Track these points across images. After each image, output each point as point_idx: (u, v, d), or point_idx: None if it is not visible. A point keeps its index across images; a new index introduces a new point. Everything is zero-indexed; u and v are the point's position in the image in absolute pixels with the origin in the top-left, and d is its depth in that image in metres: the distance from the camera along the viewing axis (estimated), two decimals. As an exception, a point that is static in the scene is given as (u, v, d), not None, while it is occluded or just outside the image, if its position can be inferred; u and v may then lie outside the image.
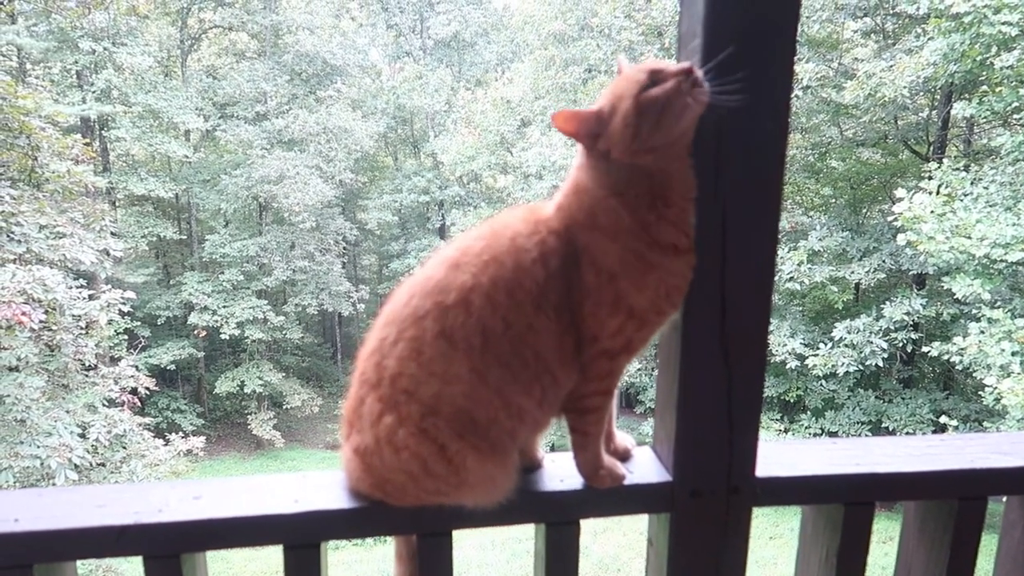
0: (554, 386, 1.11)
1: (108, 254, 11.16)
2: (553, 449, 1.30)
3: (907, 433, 13.07)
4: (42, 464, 8.67)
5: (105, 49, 18.47)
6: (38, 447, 8.75)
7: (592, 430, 1.17)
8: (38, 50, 17.88)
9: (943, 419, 11.82)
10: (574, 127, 1.06)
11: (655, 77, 1.04)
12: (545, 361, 1.09)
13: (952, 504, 1.27)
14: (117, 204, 21.63)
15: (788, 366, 13.38)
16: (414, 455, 1.07)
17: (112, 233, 12.12)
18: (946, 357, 10.95)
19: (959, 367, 11.18)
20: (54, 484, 8.62)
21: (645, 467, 1.24)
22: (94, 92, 19.28)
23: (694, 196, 1.07)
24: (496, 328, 1.06)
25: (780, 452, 1.29)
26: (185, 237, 23.99)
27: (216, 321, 20.58)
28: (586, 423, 1.16)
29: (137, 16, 17.24)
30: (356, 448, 1.13)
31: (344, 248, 25.87)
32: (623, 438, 1.30)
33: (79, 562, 1.18)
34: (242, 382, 21.15)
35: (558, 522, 1.19)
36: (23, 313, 8.14)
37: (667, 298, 1.09)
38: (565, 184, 1.13)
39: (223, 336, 20.92)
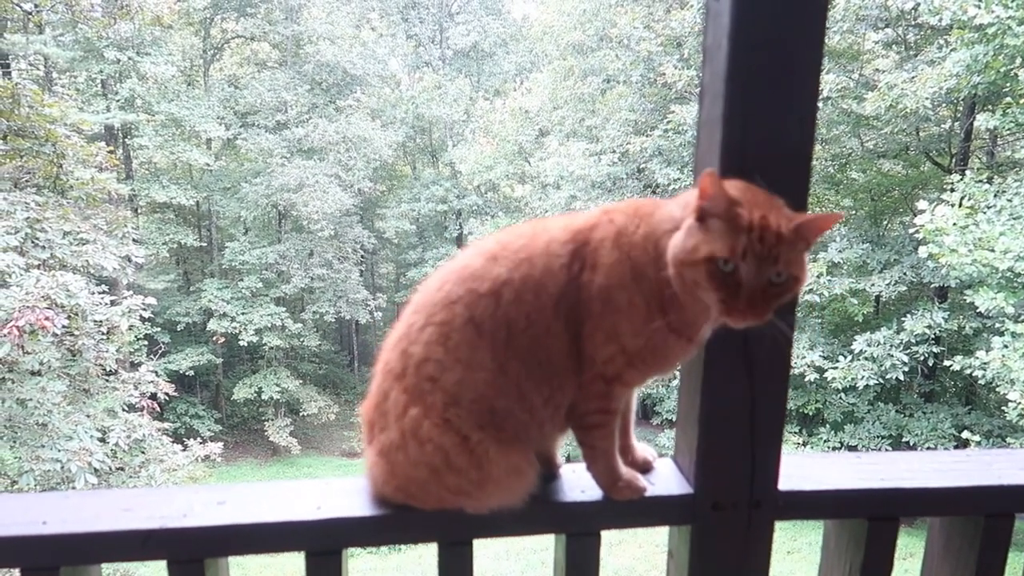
0: (560, 390, 1.13)
1: (130, 260, 11.27)
2: (568, 460, 1.29)
3: (928, 448, 12.89)
4: (63, 468, 8.75)
5: (129, 58, 18.74)
6: (59, 451, 8.83)
7: (599, 444, 1.18)
8: (64, 59, 18.20)
9: (965, 434, 11.63)
10: (710, 190, 0.99)
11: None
12: (555, 364, 1.11)
13: (978, 520, 1.25)
14: (139, 211, 21.89)
15: (807, 379, 13.25)
16: (438, 448, 1.09)
17: (134, 240, 12.27)
18: (968, 371, 10.80)
19: (982, 381, 11.03)
20: (74, 488, 8.70)
21: (666, 479, 1.24)
22: (118, 101, 19.57)
23: (712, 321, 1.07)
24: (520, 323, 1.09)
25: (803, 465, 1.28)
26: (205, 244, 24.21)
27: (235, 328, 20.74)
28: (592, 438, 1.18)
29: (161, 26, 17.42)
30: (381, 448, 1.14)
31: (362, 256, 25.99)
32: (643, 449, 1.30)
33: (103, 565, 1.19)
34: (259, 388, 21.27)
35: (578, 533, 1.19)
36: (46, 318, 8.23)
37: (653, 355, 1.11)
38: (625, 202, 1.14)
39: (241, 343, 21.06)
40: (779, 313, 1.10)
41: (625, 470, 1.20)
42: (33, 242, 9.40)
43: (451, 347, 1.10)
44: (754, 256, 0.99)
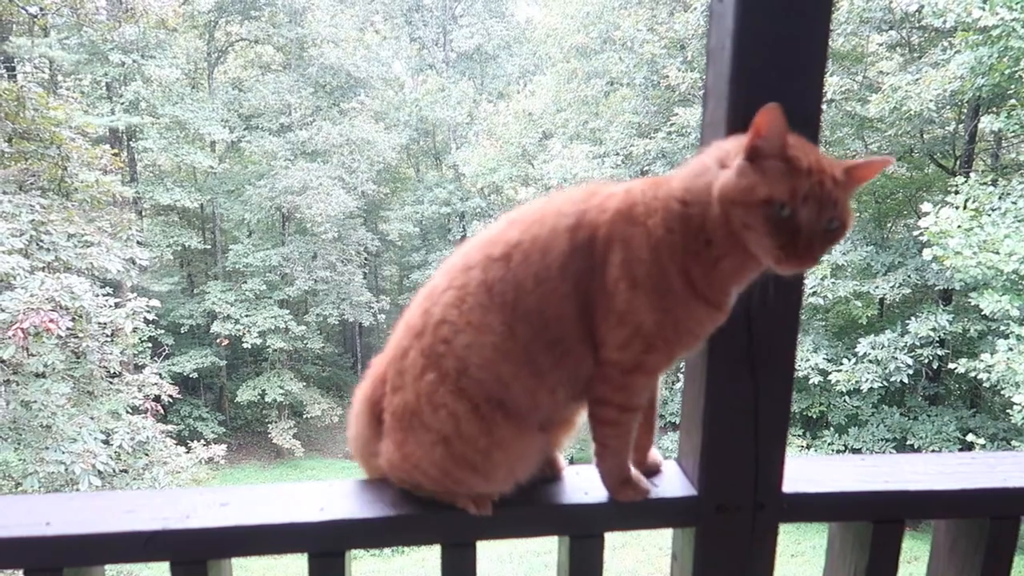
0: (569, 355, 1.10)
1: (134, 263, 11.30)
2: (572, 462, 1.29)
3: (933, 451, 12.86)
4: (66, 470, 8.77)
5: (134, 61, 18.81)
6: (63, 453, 8.85)
7: (610, 443, 1.16)
8: (69, 62, 18.27)
9: (970, 437, 11.61)
10: (768, 128, 0.96)
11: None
12: (565, 328, 1.08)
13: (984, 523, 1.25)
14: (143, 214, 21.95)
15: (811, 381, 13.23)
16: (451, 414, 1.09)
17: (138, 242, 12.30)
18: (973, 374, 10.76)
19: (986, 384, 10.99)
20: (78, 490, 8.71)
21: (670, 481, 1.23)
22: (123, 104, 19.63)
23: (742, 281, 1.05)
24: (527, 285, 1.07)
25: (807, 468, 1.28)
26: (209, 247, 24.26)
27: (238, 330, 20.77)
28: (604, 436, 1.15)
29: (166, 29, 17.51)
30: (395, 411, 1.15)
31: (365, 259, 26.02)
32: (654, 454, 1.29)
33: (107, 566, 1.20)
34: (263, 391, 21.30)
35: (582, 535, 1.19)
36: (51, 320, 8.25)
37: (675, 331, 1.06)
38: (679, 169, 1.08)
39: (245, 345, 21.10)
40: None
41: (632, 471, 1.19)
42: (38, 244, 9.43)
43: (464, 310, 1.09)
44: (815, 200, 0.96)
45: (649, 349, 1.06)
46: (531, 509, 1.16)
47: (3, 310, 8.39)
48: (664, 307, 1.04)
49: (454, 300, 1.10)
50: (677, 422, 1.26)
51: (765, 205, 0.95)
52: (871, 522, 1.22)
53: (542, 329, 1.08)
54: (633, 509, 1.18)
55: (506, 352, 1.08)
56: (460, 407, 1.09)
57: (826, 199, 0.96)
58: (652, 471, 1.26)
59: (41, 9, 12.48)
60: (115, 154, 11.37)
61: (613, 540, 12.89)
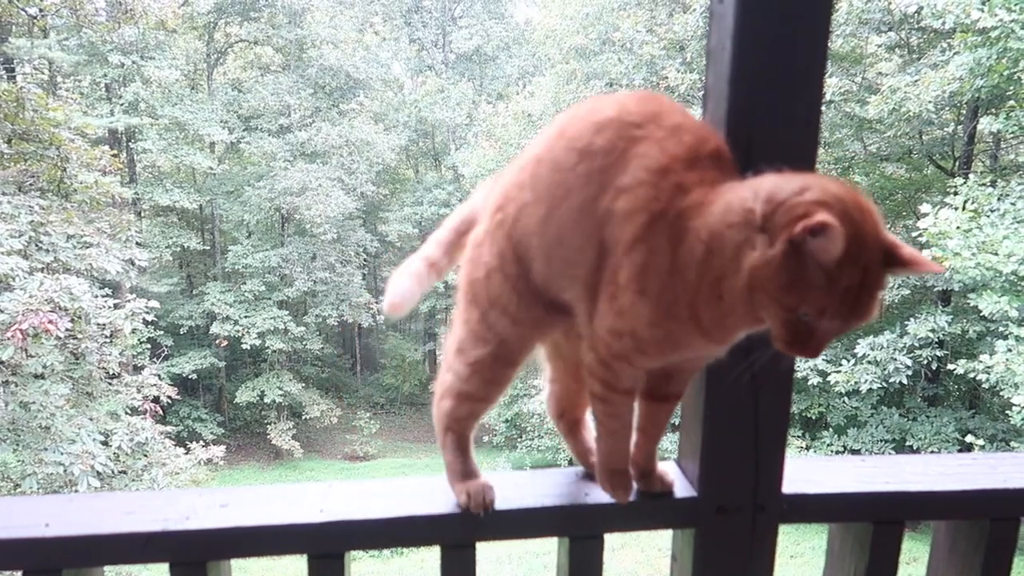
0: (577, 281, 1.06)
1: (133, 264, 11.30)
2: (571, 463, 1.29)
3: (932, 452, 12.87)
4: (65, 471, 8.76)
5: (134, 62, 18.82)
6: (62, 454, 8.85)
7: (603, 421, 1.12)
8: (69, 63, 18.27)
9: (969, 438, 11.60)
10: (827, 233, 0.84)
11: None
12: (576, 254, 1.04)
13: (984, 524, 1.25)
14: (143, 215, 21.96)
15: (810, 382, 13.23)
16: (490, 271, 1.11)
17: (137, 243, 12.30)
18: (972, 375, 10.77)
19: (985, 385, 11.00)
20: (76, 491, 8.71)
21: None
22: (122, 104, 19.65)
23: (749, 330, 0.97)
24: (566, 163, 1.03)
25: (807, 469, 1.27)
26: (208, 248, 24.26)
27: (237, 331, 20.77)
28: (595, 410, 1.13)
29: (165, 30, 17.53)
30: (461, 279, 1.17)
31: (365, 260, 26.04)
32: (663, 470, 1.22)
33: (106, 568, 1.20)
34: (262, 392, 21.30)
35: (582, 536, 1.19)
36: (50, 321, 8.25)
37: (670, 347, 1.01)
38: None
39: (244, 346, 21.10)
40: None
41: (628, 468, 1.16)
42: (37, 245, 9.43)
43: (522, 181, 1.09)
44: (840, 317, 0.87)
45: (639, 350, 1.02)
46: (531, 510, 1.16)
47: (2, 311, 8.39)
48: (665, 326, 0.99)
49: (519, 177, 1.11)
50: (677, 422, 1.24)
51: (787, 310, 0.88)
52: (871, 523, 1.22)
53: (558, 245, 1.06)
54: (633, 510, 1.18)
55: (536, 216, 1.07)
56: (496, 262, 1.12)
57: (851, 312, 0.87)
58: (647, 477, 1.20)
59: (41, 10, 12.48)
60: (114, 155, 11.38)
61: (612, 541, 12.88)
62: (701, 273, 0.93)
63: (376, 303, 24.35)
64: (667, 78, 15.44)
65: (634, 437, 1.16)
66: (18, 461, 9.06)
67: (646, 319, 0.99)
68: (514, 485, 1.21)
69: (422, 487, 1.21)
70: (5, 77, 15.82)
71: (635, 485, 1.17)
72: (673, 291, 0.96)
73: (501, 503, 1.15)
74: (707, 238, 0.92)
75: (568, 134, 1.04)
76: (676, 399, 1.14)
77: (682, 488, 1.21)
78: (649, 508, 1.18)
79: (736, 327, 0.96)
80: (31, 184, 10.08)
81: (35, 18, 13.59)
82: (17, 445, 9.15)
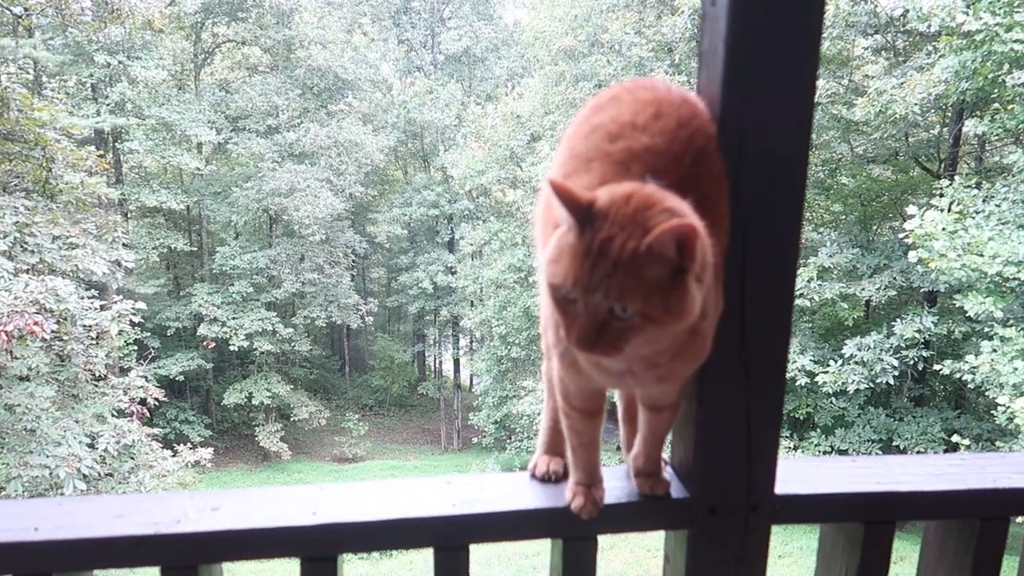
0: None
1: (120, 265, 11.23)
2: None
3: (918, 451, 12.96)
4: (51, 474, 8.70)
5: (120, 62, 18.69)
6: (47, 456, 8.78)
7: (567, 435, 1.13)
8: (54, 63, 18.12)
9: (955, 438, 11.69)
10: (563, 196, 0.90)
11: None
12: None
13: (973, 524, 1.26)
14: (129, 215, 21.80)
15: (798, 383, 13.29)
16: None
17: (124, 244, 12.22)
18: (958, 375, 10.85)
19: (971, 386, 11.09)
20: (62, 494, 8.64)
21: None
22: (108, 105, 19.50)
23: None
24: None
25: (799, 469, 1.28)
26: (196, 249, 24.14)
27: (225, 332, 20.67)
28: (561, 424, 1.14)
29: (152, 30, 17.43)
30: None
31: (353, 261, 25.98)
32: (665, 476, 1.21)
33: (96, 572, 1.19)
34: (250, 394, 21.20)
35: (575, 537, 1.19)
36: (35, 323, 8.18)
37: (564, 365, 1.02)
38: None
39: (232, 347, 21.01)
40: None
41: (593, 484, 1.13)
42: (22, 246, 9.36)
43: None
44: (580, 286, 0.87)
45: (553, 355, 1.05)
46: (524, 512, 1.16)
47: (-13, 313, 8.31)
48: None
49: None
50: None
51: (550, 286, 0.90)
52: (862, 523, 1.23)
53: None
54: (626, 511, 1.18)
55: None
56: None
57: (596, 285, 0.86)
58: (655, 487, 1.18)
59: (26, 9, 12.37)
60: (100, 155, 11.31)
61: (602, 541, 12.86)
62: None
63: (365, 304, 24.31)
64: (656, 80, 15.48)
65: (637, 440, 1.18)
66: (3, 464, 8.99)
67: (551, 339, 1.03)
68: (506, 487, 1.21)
69: (414, 488, 1.21)
70: (-11, 77, 15.67)
71: (601, 500, 1.14)
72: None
73: (493, 505, 1.15)
74: None
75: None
76: (667, 410, 1.13)
77: (675, 489, 1.21)
78: (642, 509, 1.18)
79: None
80: (16, 185, 10.00)
81: (20, 17, 13.48)
82: (2, 448, 9.08)
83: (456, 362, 27.71)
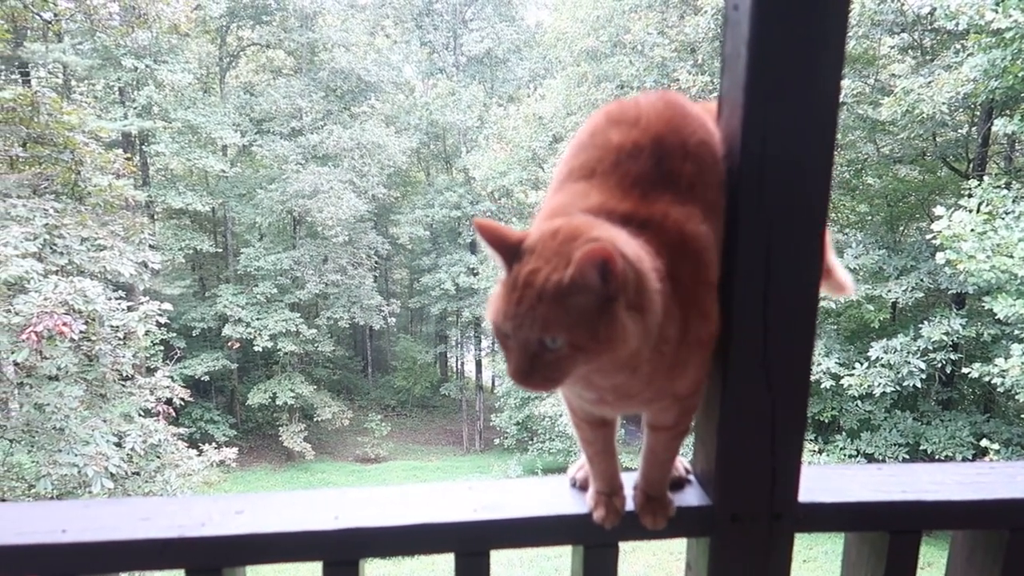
0: None
1: (146, 266, 11.37)
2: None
3: (946, 456, 12.76)
4: (79, 472, 8.81)
5: (147, 66, 18.94)
6: (76, 455, 8.90)
7: (581, 446, 1.16)
8: (83, 67, 18.41)
9: (984, 442, 11.50)
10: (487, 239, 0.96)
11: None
12: None
13: (1003, 534, 1.23)
14: (156, 217, 22.10)
15: (823, 386, 13.15)
16: None
17: (151, 246, 12.37)
18: (987, 379, 10.68)
19: (1000, 389, 10.91)
20: (90, 492, 8.76)
21: (684, 490, 1.22)
22: (135, 108, 19.78)
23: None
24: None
25: (824, 477, 1.26)
26: (221, 250, 24.40)
27: (249, 333, 20.87)
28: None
29: (178, 34, 17.62)
30: None
31: (376, 262, 26.11)
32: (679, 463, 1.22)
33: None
34: (274, 394, 21.39)
35: (597, 544, 1.18)
36: (64, 324, 8.31)
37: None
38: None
39: (256, 348, 21.20)
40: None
41: (613, 492, 1.14)
42: (51, 248, 9.51)
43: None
44: (510, 320, 0.88)
45: None
46: (545, 518, 1.16)
47: (17, 313, 8.45)
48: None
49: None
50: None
51: (492, 323, 0.92)
52: (888, 533, 1.21)
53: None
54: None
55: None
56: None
57: (523, 319, 0.87)
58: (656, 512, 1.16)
59: (55, 15, 12.59)
60: (128, 158, 11.47)
61: (624, 544, 12.82)
62: None
63: (388, 305, 24.42)
64: (678, 80, 15.40)
65: (639, 457, 1.17)
66: (33, 462, 9.13)
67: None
68: (527, 492, 1.21)
69: (436, 494, 1.21)
70: (20, 81, 15.97)
71: (622, 508, 1.14)
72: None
73: (514, 511, 1.15)
74: None
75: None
76: (664, 431, 1.11)
77: (696, 496, 1.20)
78: (664, 516, 1.17)
79: None
80: (46, 187, 10.16)
81: (49, 22, 13.72)
82: (32, 446, 9.22)
83: (478, 363, 27.74)
